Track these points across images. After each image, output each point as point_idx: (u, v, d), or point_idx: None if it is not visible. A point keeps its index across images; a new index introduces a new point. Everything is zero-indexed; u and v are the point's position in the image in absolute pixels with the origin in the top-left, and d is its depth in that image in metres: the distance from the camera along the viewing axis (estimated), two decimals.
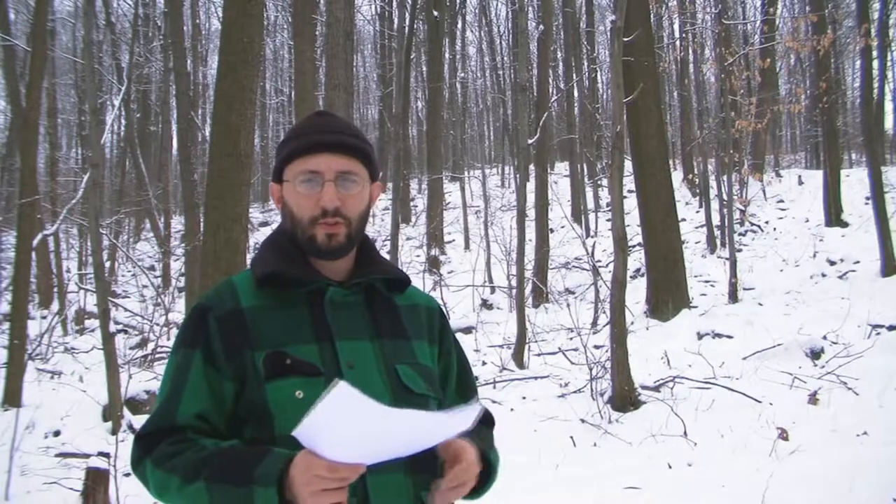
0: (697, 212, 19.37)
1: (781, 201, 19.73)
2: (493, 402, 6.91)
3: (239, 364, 1.36)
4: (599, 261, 14.88)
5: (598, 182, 22.35)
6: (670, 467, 5.20)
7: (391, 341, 1.44)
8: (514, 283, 11.99)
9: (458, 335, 11.14)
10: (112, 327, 7.94)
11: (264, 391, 1.33)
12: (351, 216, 1.43)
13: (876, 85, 18.74)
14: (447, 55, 25.84)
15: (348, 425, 1.13)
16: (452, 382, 1.56)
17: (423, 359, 1.47)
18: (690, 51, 20.84)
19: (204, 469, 1.26)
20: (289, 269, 1.42)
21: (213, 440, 1.33)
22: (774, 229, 17.22)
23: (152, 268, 20.13)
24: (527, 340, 9.18)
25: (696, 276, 13.54)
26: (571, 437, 5.91)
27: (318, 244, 1.41)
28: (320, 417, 1.10)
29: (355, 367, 1.37)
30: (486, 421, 1.55)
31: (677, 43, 22.63)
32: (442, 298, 13.84)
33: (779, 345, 7.75)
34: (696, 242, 17.17)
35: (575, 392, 7.04)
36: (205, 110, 24.21)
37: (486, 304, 14.54)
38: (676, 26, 23.30)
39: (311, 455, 1.17)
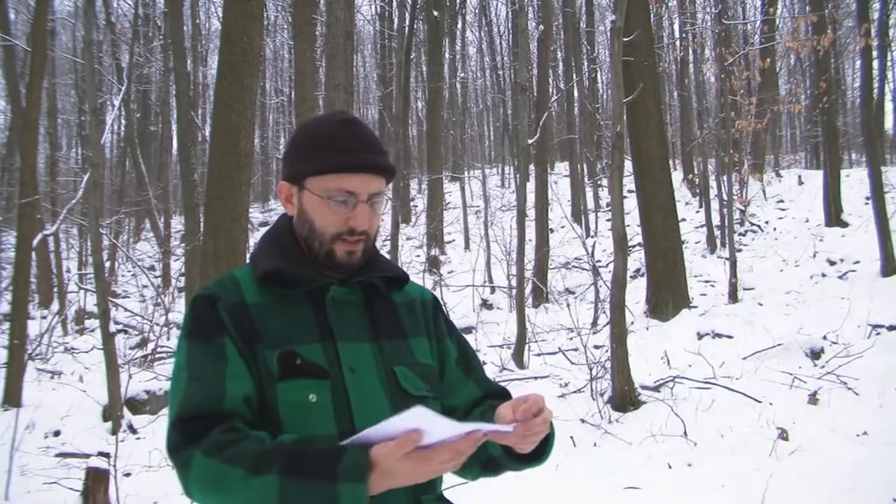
0: (697, 212, 19.37)
1: (781, 201, 19.74)
2: None
3: (253, 358, 1.33)
4: (599, 261, 14.87)
5: (598, 182, 22.35)
6: (670, 467, 5.19)
7: (390, 342, 1.43)
8: (514, 283, 11.98)
9: None
10: (112, 327, 7.94)
11: (275, 392, 1.30)
12: (372, 233, 1.44)
13: (876, 85, 18.71)
14: (447, 55, 25.82)
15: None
16: (452, 362, 1.55)
17: (421, 357, 1.47)
18: (690, 51, 20.85)
19: (275, 461, 1.19)
20: (291, 267, 1.40)
21: (265, 433, 1.27)
22: (774, 229, 17.21)
23: (152, 268, 20.13)
24: (527, 340, 9.16)
25: (696, 276, 13.54)
26: (571, 437, 5.90)
27: (336, 259, 1.40)
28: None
29: (356, 370, 1.36)
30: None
31: (677, 43, 22.62)
32: (442, 298, 13.83)
33: (779, 345, 7.73)
34: (696, 242, 17.17)
35: (575, 392, 7.03)
36: (205, 110, 24.20)
37: (486, 304, 14.54)
38: (676, 26, 23.33)
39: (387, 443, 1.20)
